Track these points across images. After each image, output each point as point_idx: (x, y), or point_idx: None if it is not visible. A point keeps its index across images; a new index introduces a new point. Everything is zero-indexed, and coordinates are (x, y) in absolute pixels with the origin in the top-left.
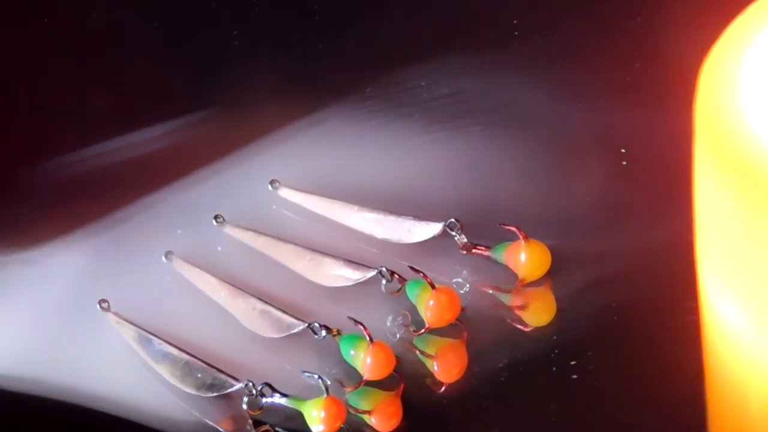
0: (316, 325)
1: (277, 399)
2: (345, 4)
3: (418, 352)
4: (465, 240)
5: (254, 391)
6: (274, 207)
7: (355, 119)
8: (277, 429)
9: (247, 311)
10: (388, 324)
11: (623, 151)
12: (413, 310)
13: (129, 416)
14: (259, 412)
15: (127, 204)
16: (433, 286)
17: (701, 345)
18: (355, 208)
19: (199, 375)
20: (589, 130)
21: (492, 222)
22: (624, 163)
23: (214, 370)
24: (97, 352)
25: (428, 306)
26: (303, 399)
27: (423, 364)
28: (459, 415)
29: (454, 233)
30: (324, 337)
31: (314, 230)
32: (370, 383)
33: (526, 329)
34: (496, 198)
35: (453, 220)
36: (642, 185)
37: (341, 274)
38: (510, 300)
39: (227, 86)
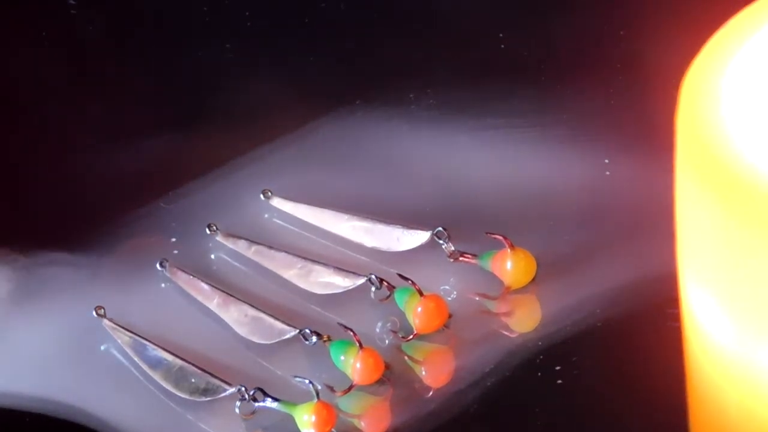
0: (307, 331)
1: (269, 403)
2: (335, 18)
3: (406, 357)
4: (452, 248)
5: (247, 396)
6: (266, 216)
7: (345, 130)
8: None
9: (239, 318)
10: (377, 330)
11: (607, 161)
12: (402, 316)
13: (124, 420)
14: (251, 416)
15: (122, 213)
16: (421, 293)
17: (682, 351)
18: (345, 216)
19: (193, 380)
20: (573, 140)
21: (479, 230)
22: (607, 173)
23: (208, 375)
24: (93, 358)
25: (416, 313)
26: (294, 403)
27: (411, 370)
28: (446, 420)
29: (441, 241)
30: (315, 343)
31: (305, 239)
32: (360, 388)
33: (512, 335)
34: (482, 207)
35: (441, 228)
36: (625, 195)
37: (331, 282)
38: (496, 307)
39: (220, 98)
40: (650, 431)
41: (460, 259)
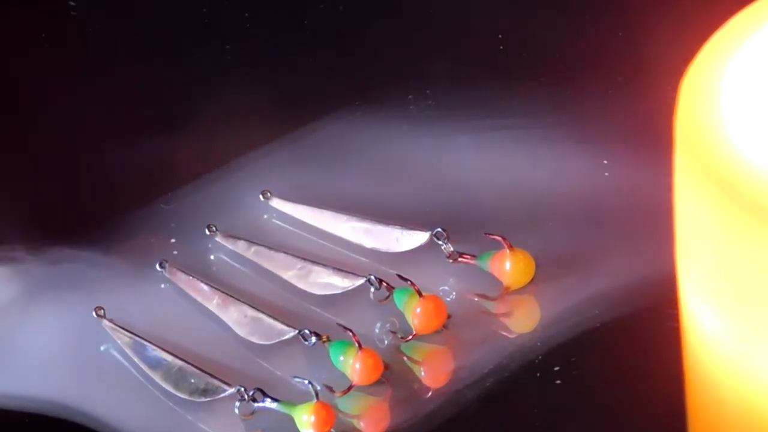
0: (306, 331)
1: (269, 404)
2: (334, 19)
3: (405, 358)
4: (451, 249)
5: (246, 396)
6: (266, 217)
7: (344, 131)
8: None
9: (239, 318)
10: (377, 331)
11: (605, 162)
12: (401, 317)
13: (123, 421)
14: (250, 416)
15: (122, 214)
16: (420, 294)
17: (681, 351)
18: (345, 217)
19: (193, 380)
20: (572, 141)
21: (478, 231)
22: (606, 174)
23: (207, 375)
24: (93, 359)
25: (415, 313)
26: (293, 404)
27: (410, 370)
28: (445, 420)
29: (440, 242)
30: (314, 343)
31: (305, 239)
32: (359, 388)
33: (510, 336)
34: (481, 208)
35: (440, 229)
36: (624, 195)
37: (331, 282)
38: (495, 307)
39: (220, 98)
40: (649, 431)
41: (459, 259)
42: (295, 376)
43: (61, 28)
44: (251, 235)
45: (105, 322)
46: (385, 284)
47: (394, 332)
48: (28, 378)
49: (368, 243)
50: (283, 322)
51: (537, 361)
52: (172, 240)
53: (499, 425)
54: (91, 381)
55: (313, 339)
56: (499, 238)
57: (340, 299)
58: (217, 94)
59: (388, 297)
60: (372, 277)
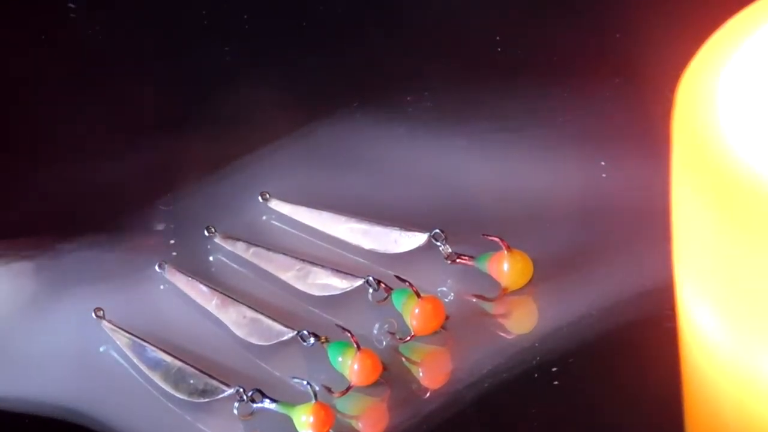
0: (305, 332)
1: (267, 404)
2: (333, 21)
3: (404, 359)
4: (449, 250)
5: (245, 397)
6: (265, 218)
7: (343, 133)
8: None
9: (238, 319)
10: (375, 332)
11: (603, 163)
12: (399, 318)
13: (123, 421)
14: (249, 417)
15: (121, 215)
16: (418, 295)
17: (678, 351)
18: (343, 219)
19: (192, 381)
20: (570, 143)
21: (476, 232)
22: (603, 175)
23: (206, 376)
24: (92, 359)
25: (414, 314)
26: (292, 404)
27: (409, 371)
28: (444, 421)
29: (438, 243)
30: (312, 344)
31: (303, 241)
32: (358, 389)
33: (508, 337)
34: (479, 209)
35: (438, 230)
36: (621, 197)
37: (329, 284)
38: (493, 308)
39: (219, 100)
40: (647, 431)
41: (458, 261)
42: (293, 377)
43: (61, 29)
44: (250, 237)
45: (104, 323)
46: (383, 285)
47: (392, 333)
48: (28, 379)
49: (367, 244)
50: (281, 323)
51: (535, 362)
52: (172, 241)
53: (497, 426)
54: (91, 382)
55: (312, 340)
56: (496, 240)
57: (338, 300)
58: (216, 95)
59: (386, 298)
60: (370, 278)
